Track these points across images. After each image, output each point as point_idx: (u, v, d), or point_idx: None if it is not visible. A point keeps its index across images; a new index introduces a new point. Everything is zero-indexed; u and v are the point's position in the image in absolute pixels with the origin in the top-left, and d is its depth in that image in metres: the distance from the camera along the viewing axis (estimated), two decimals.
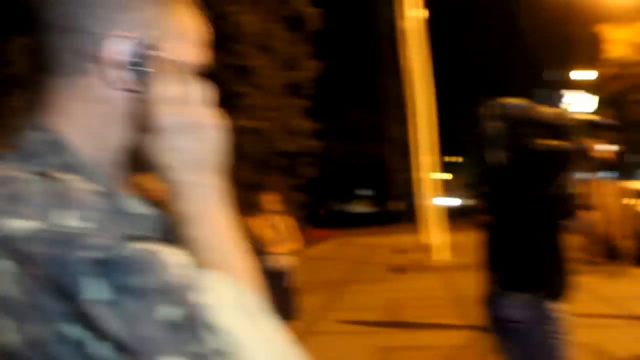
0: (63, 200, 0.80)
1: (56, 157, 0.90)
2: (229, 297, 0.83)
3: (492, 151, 3.56)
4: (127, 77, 0.90)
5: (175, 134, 0.88)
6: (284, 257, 7.12)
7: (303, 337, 7.34)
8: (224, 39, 14.14)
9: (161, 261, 0.78)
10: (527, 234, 3.50)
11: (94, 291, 0.75)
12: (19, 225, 0.78)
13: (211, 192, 0.89)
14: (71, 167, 0.89)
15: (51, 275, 0.76)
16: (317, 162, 18.38)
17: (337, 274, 15.42)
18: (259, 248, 7.03)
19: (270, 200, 7.39)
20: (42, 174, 0.83)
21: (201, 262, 0.85)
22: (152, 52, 0.90)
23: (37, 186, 0.81)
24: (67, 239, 0.77)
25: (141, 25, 0.91)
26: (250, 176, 14.14)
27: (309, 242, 20.50)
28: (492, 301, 3.62)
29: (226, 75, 14.05)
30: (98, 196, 0.85)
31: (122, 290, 0.76)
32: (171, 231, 0.91)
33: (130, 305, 0.76)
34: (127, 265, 0.77)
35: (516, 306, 3.48)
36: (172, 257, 0.80)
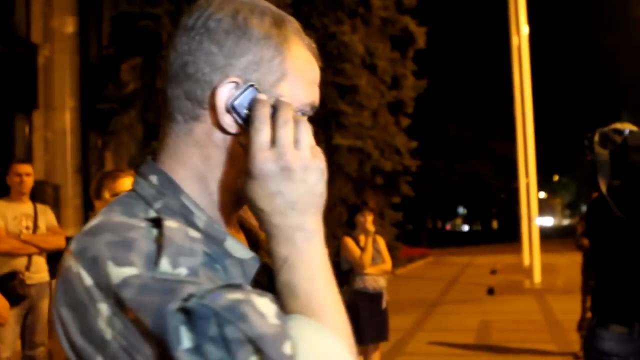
0: (166, 249, 0.83)
1: (170, 200, 0.95)
2: (318, 346, 0.82)
3: (601, 177, 3.39)
4: (237, 122, 0.92)
5: (270, 179, 0.88)
6: (378, 278, 7.16)
7: (393, 357, 7.47)
8: (330, 58, 14.41)
9: (253, 311, 0.78)
10: (628, 262, 3.32)
11: (183, 340, 0.77)
12: (121, 271, 0.81)
13: (305, 236, 0.89)
14: (182, 211, 0.94)
15: (143, 321, 0.79)
16: (416, 181, 18.36)
17: (430, 293, 15.26)
18: (354, 269, 7.16)
19: (367, 219, 7.42)
20: (153, 221, 0.88)
21: (291, 308, 0.86)
22: (262, 97, 0.92)
23: (145, 234, 0.86)
24: (163, 288, 0.80)
25: (254, 70, 0.94)
26: (349, 195, 14.28)
27: (404, 260, 20.47)
28: (589, 331, 3.43)
29: (331, 93, 14.31)
30: (201, 244, 0.89)
31: (211, 340, 0.77)
32: (269, 275, 0.93)
33: (215, 355, 0.77)
34: (218, 316, 0.77)
35: (614, 339, 3.29)
36: (264, 307, 0.80)
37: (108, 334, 0.82)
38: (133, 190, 0.99)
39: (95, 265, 0.83)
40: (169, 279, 0.81)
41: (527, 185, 17.96)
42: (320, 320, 0.85)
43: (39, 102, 14.99)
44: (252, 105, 0.91)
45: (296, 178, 0.88)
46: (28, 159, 14.48)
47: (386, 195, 16.92)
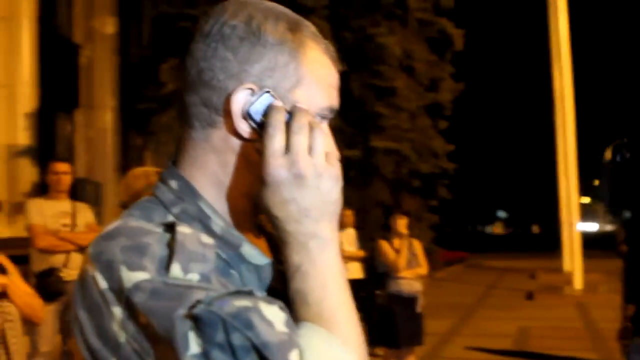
0: (178, 255, 0.84)
1: (188, 205, 0.96)
2: (326, 356, 0.82)
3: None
4: (253, 128, 0.93)
5: (283, 186, 0.88)
6: (414, 282, 7.13)
7: None
8: (367, 60, 14.38)
9: (260, 319, 0.79)
10: None
11: (191, 346, 0.78)
12: (134, 276, 0.82)
13: (318, 243, 0.89)
14: (200, 216, 0.95)
15: (153, 325, 0.80)
16: (454, 184, 18.24)
17: (467, 298, 15.18)
18: (389, 272, 7.14)
19: (402, 223, 7.40)
20: (168, 226, 0.89)
21: (303, 316, 0.86)
22: (277, 103, 0.92)
23: (159, 239, 0.87)
24: (173, 293, 0.81)
25: (269, 76, 0.94)
26: (386, 197, 14.22)
27: (442, 264, 20.36)
28: (632, 342, 3.45)
29: (367, 96, 14.28)
30: (213, 249, 0.89)
31: (218, 347, 0.77)
32: (283, 282, 0.91)
33: None
34: (225, 323, 0.78)
35: None
36: (272, 314, 0.80)
37: (121, 337, 0.83)
38: (153, 194, 1.00)
39: (109, 269, 0.84)
40: (179, 284, 0.82)
41: (568, 189, 17.73)
42: (331, 330, 0.85)
43: (80, 102, 15.23)
44: (267, 111, 0.92)
45: (309, 185, 0.88)
46: (69, 157, 14.71)
47: (423, 198, 16.82)
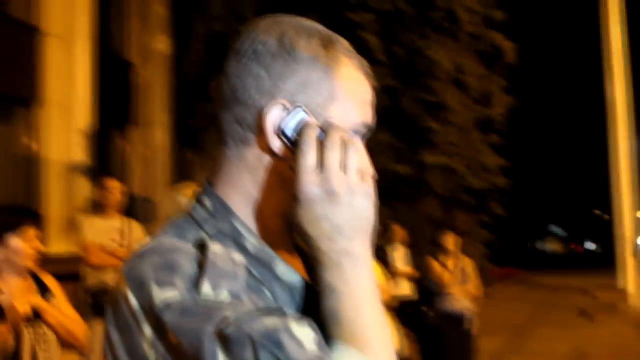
0: (208, 272, 0.84)
1: (222, 223, 0.96)
2: None
3: None
4: (286, 145, 0.92)
5: (316, 203, 0.87)
6: (464, 300, 7.04)
7: None
8: (416, 74, 14.30)
9: (289, 338, 0.78)
10: None
11: None
12: (163, 294, 0.82)
13: (351, 261, 0.87)
14: (233, 234, 0.95)
15: (182, 343, 0.80)
16: (506, 200, 17.97)
17: (520, 316, 14.91)
18: (438, 289, 7.06)
19: (452, 239, 7.33)
20: (200, 245, 0.89)
21: (335, 336, 0.85)
22: (311, 119, 0.92)
23: (191, 257, 0.87)
24: (202, 311, 0.81)
25: (301, 92, 0.94)
26: (437, 213, 14.07)
27: (494, 280, 20.05)
28: None
29: (418, 110, 14.19)
30: (247, 267, 0.90)
31: None
32: (316, 300, 0.90)
33: None
34: (255, 341, 0.78)
35: None
36: (302, 334, 0.80)
37: (152, 356, 0.83)
38: (189, 213, 1.00)
39: (140, 287, 0.85)
40: (209, 302, 0.82)
41: (621, 203, 17.33)
42: (363, 350, 0.83)
43: (134, 119, 15.53)
44: (300, 128, 0.92)
45: (342, 202, 0.88)
46: (123, 174, 15.01)
47: (476, 215, 16.61)
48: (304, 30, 0.97)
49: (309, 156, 0.89)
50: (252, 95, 0.94)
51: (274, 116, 0.93)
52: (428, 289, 7.33)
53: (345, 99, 0.96)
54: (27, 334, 3.04)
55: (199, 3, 16.61)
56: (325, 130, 0.91)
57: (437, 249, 7.40)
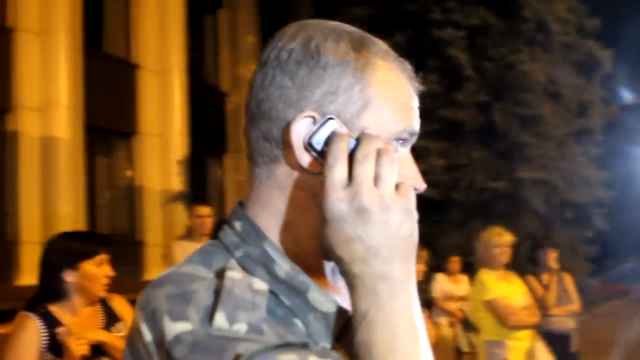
0: (223, 303, 0.77)
1: (252, 248, 0.89)
2: None
3: None
4: (316, 159, 0.84)
5: (345, 222, 0.79)
6: (565, 319, 6.79)
7: None
8: (508, 88, 14.01)
9: None
10: None
11: None
12: (175, 327, 0.76)
13: (389, 287, 0.78)
14: (263, 259, 0.87)
15: None
16: (609, 214, 17.26)
17: (629, 334, 14.28)
18: (540, 309, 6.81)
19: (553, 256, 7.10)
20: (220, 273, 0.81)
21: None
22: (341, 130, 0.83)
23: (208, 286, 0.79)
24: (214, 347, 0.74)
25: (331, 101, 0.86)
26: (536, 230, 13.65)
27: (600, 299, 19.27)
28: None
29: (512, 125, 13.87)
30: (275, 296, 0.84)
31: None
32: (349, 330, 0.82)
33: None
34: None
35: None
36: None
37: None
38: (218, 238, 0.93)
39: (153, 320, 0.78)
40: (223, 336, 0.74)
41: None
42: None
43: (229, 147, 15.88)
44: (329, 140, 0.82)
45: (376, 220, 0.78)
46: (220, 200, 15.33)
47: (578, 230, 16.02)
48: (332, 34, 0.89)
49: (335, 170, 0.79)
50: (277, 108, 0.87)
51: (302, 129, 0.85)
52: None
53: (382, 105, 0.87)
54: None
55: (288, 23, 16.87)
56: (358, 141, 0.82)
57: (537, 267, 7.18)
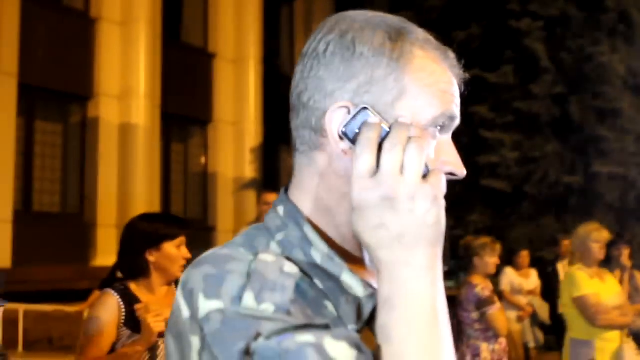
0: (253, 283, 0.81)
1: (292, 231, 0.92)
2: None
3: None
4: (350, 148, 0.87)
5: (371, 210, 0.81)
6: (637, 318, 6.62)
7: None
8: (588, 81, 13.65)
9: (319, 356, 0.75)
10: None
11: None
12: (208, 305, 0.80)
13: (412, 273, 0.80)
14: (302, 243, 0.91)
15: (218, 355, 0.78)
16: None
17: None
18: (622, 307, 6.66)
19: (623, 253, 6.92)
20: (256, 255, 0.85)
21: (383, 354, 0.79)
22: (373, 119, 0.86)
23: (243, 267, 0.83)
24: (241, 324, 0.78)
25: (366, 91, 0.88)
26: (611, 226, 13.26)
27: None
28: None
29: (589, 119, 13.53)
30: (309, 278, 0.86)
31: None
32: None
33: None
34: (283, 358, 0.75)
35: None
36: (336, 352, 0.76)
37: None
38: (264, 221, 0.97)
39: (190, 297, 0.83)
40: (250, 315, 0.78)
41: None
42: None
43: None
44: (364, 129, 0.85)
45: (401, 208, 0.80)
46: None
47: None
48: (368, 24, 0.91)
49: (363, 159, 0.82)
50: (315, 98, 0.90)
51: (337, 119, 0.88)
52: None
53: (418, 93, 0.89)
54: (162, 351, 3.01)
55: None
56: (396, 128, 0.84)
57: (609, 264, 7.00)
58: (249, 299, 0.79)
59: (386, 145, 0.82)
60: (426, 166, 0.84)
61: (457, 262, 15.75)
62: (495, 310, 5.13)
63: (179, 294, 0.85)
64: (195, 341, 0.81)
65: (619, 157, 13.61)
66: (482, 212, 13.46)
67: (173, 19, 13.43)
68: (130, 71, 11.81)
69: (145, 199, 11.50)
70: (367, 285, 0.90)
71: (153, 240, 3.09)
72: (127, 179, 11.55)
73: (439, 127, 0.91)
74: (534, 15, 13.77)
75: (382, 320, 0.80)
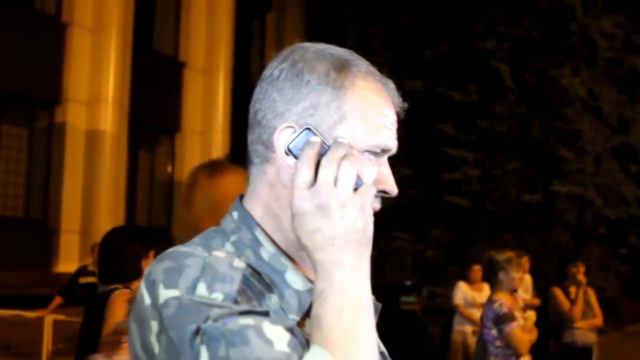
0: (205, 275, 0.92)
1: (244, 233, 1.05)
2: None
3: None
4: (295, 162, 0.99)
5: (307, 216, 0.93)
6: (589, 332, 6.81)
7: None
8: (549, 102, 13.94)
9: (258, 337, 0.85)
10: None
11: (195, 357, 0.85)
12: (167, 293, 0.91)
13: (343, 271, 0.91)
14: (252, 244, 1.03)
15: (174, 338, 0.88)
16: None
17: None
18: (563, 321, 6.86)
19: (579, 270, 7.11)
20: (207, 252, 0.97)
21: (314, 340, 0.88)
22: (315, 139, 0.97)
23: (199, 262, 0.94)
24: (194, 309, 0.88)
25: (310, 114, 1.01)
26: (568, 244, 13.56)
27: (632, 317, 18.96)
28: None
29: (549, 139, 13.80)
30: (257, 273, 0.98)
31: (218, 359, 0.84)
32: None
33: None
34: (226, 338, 0.84)
35: None
36: (273, 334, 0.86)
37: (156, 348, 0.91)
38: (221, 224, 1.10)
39: (152, 287, 0.94)
40: (202, 302, 0.89)
41: None
42: (338, 356, 0.86)
43: None
44: (305, 147, 0.98)
45: (333, 215, 0.92)
46: None
47: (611, 246, 15.83)
48: (317, 55, 1.04)
49: (302, 173, 0.94)
50: (267, 117, 1.03)
51: (284, 137, 1.01)
52: (551, 320, 7.15)
53: (357, 121, 1.02)
54: None
55: (334, 35, 17.05)
56: (335, 147, 0.96)
57: (562, 280, 7.20)
58: (201, 289, 0.91)
59: (323, 161, 0.95)
60: (358, 180, 0.96)
61: (419, 277, 15.94)
62: (513, 328, 4.87)
63: (143, 284, 0.96)
64: (154, 325, 0.91)
65: (577, 177, 13.91)
66: (444, 228, 13.64)
67: (144, 27, 13.46)
68: (100, 77, 11.81)
69: (110, 206, 11.49)
70: (308, 281, 1.02)
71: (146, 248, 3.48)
72: (92, 186, 11.52)
73: (372, 154, 1.04)
74: (500, 36, 14.05)
75: (316, 310, 0.90)
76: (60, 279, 8.88)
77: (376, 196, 1.04)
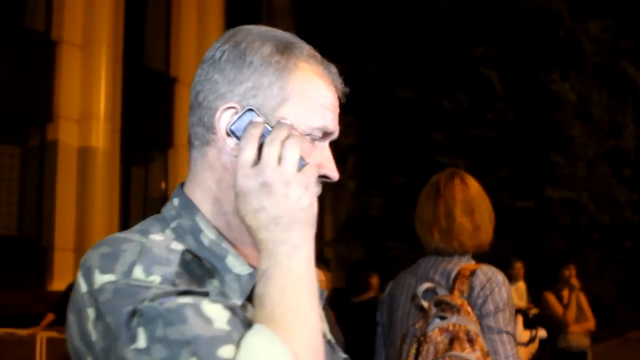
0: (142, 258, 0.90)
1: (185, 220, 1.04)
2: (262, 355, 0.83)
3: None
4: (236, 144, 0.99)
5: (251, 195, 0.92)
6: (582, 337, 6.81)
7: None
8: (539, 107, 13.99)
9: (196, 314, 0.84)
10: None
11: (139, 341, 0.83)
12: (102, 278, 0.89)
13: (287, 250, 0.90)
14: (192, 230, 1.02)
15: (109, 322, 0.86)
16: (637, 236, 16.98)
17: None
18: (556, 326, 6.85)
19: (572, 274, 7.12)
20: (145, 237, 0.95)
21: (257, 319, 0.88)
22: (258, 119, 0.97)
23: (135, 247, 0.93)
24: (130, 292, 0.87)
25: (253, 95, 1.00)
26: (562, 249, 13.56)
27: (630, 323, 18.94)
28: None
29: (541, 145, 13.84)
30: (197, 258, 0.97)
31: (159, 341, 0.83)
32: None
33: (159, 355, 0.82)
34: (164, 317, 0.83)
35: None
36: (212, 312, 0.85)
37: (93, 335, 0.89)
38: (160, 211, 1.09)
39: (88, 274, 0.92)
40: (138, 285, 0.88)
41: None
42: (279, 333, 0.85)
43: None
44: (247, 128, 0.97)
45: (277, 193, 0.91)
46: None
47: (606, 251, 15.83)
48: (261, 37, 1.04)
49: (245, 152, 0.93)
50: (209, 99, 1.02)
51: (225, 118, 1.00)
52: (546, 325, 7.15)
53: (299, 103, 1.01)
54: None
55: (325, 47, 17.05)
56: (277, 129, 0.95)
57: (558, 285, 7.20)
58: (138, 272, 0.89)
59: (267, 140, 0.94)
60: (302, 160, 0.95)
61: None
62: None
63: (79, 272, 0.94)
64: (91, 312, 0.89)
65: (570, 182, 13.94)
66: None
67: (135, 43, 13.46)
68: (91, 94, 11.78)
69: (104, 223, 11.45)
70: (249, 266, 1.02)
71: None
72: (85, 203, 11.48)
73: (316, 136, 1.04)
74: (488, 43, 14.11)
75: (259, 290, 0.89)
76: (55, 297, 8.82)
77: (318, 181, 1.02)
